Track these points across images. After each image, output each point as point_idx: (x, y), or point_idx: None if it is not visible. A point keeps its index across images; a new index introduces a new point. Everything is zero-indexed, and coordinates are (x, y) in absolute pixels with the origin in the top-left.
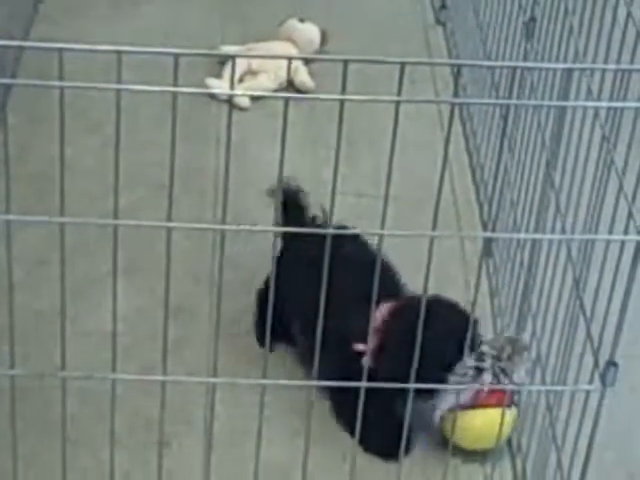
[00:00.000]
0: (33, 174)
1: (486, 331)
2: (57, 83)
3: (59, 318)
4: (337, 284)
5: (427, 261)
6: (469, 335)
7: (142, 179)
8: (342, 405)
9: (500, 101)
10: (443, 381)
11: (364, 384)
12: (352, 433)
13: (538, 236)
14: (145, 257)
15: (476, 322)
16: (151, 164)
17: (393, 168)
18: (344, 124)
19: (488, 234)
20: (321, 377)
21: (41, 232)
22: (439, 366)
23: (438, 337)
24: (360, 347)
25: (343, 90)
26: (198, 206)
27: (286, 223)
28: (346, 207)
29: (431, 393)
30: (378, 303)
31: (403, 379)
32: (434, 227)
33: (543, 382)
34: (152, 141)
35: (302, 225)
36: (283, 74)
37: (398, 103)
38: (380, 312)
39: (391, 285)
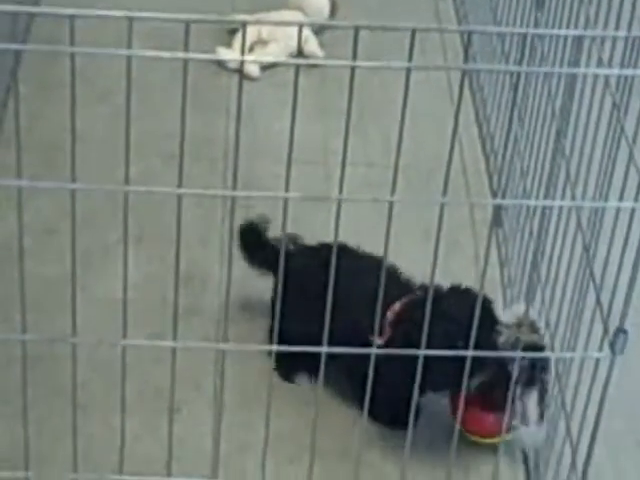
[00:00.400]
0: (44, 143)
1: (496, 302)
2: (67, 48)
3: (69, 286)
4: (345, 292)
5: (437, 229)
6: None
7: (153, 149)
8: (354, 378)
9: (510, 67)
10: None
11: (374, 350)
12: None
13: (548, 202)
14: (155, 225)
15: (490, 302)
16: (161, 134)
17: (403, 138)
18: (354, 94)
19: (498, 201)
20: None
21: (51, 201)
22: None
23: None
24: (376, 339)
25: (354, 57)
26: (208, 175)
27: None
28: (357, 177)
29: (445, 385)
30: (390, 304)
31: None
32: (444, 194)
33: (552, 350)
34: (162, 111)
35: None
36: (293, 43)
37: (409, 70)
38: (393, 309)
39: (400, 285)
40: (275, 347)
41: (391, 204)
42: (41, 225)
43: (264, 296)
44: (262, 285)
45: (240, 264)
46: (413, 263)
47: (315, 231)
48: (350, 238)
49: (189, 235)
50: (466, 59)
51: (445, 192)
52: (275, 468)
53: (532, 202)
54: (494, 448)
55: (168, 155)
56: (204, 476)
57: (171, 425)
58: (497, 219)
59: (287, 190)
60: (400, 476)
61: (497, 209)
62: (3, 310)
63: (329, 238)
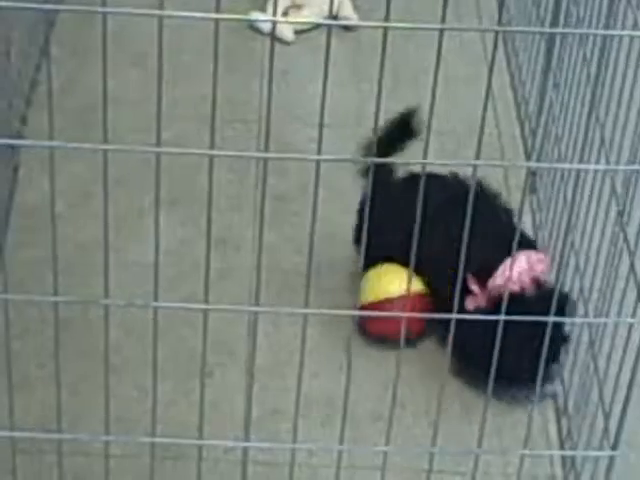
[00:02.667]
0: (77, 107)
1: None
2: (100, 9)
3: (102, 249)
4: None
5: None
6: None
7: (186, 113)
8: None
9: (544, 29)
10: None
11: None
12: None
13: (582, 166)
14: (189, 189)
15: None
16: (195, 97)
17: (437, 102)
18: (388, 59)
19: (531, 163)
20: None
21: (85, 165)
22: None
23: None
24: (474, 287)
25: (387, 18)
26: (242, 139)
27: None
28: None
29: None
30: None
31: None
32: (477, 157)
33: (586, 315)
34: (196, 75)
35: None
36: (327, 8)
37: (442, 31)
38: (519, 263)
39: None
40: (307, 310)
41: (424, 166)
42: (75, 189)
43: (294, 259)
44: (291, 248)
45: (273, 228)
46: None
47: (347, 195)
48: None
49: (222, 199)
50: (500, 20)
51: (478, 155)
52: (307, 431)
53: (566, 165)
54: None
55: (201, 119)
56: (236, 439)
57: (203, 389)
58: (531, 185)
59: (319, 153)
60: (432, 438)
61: (531, 175)
62: (37, 274)
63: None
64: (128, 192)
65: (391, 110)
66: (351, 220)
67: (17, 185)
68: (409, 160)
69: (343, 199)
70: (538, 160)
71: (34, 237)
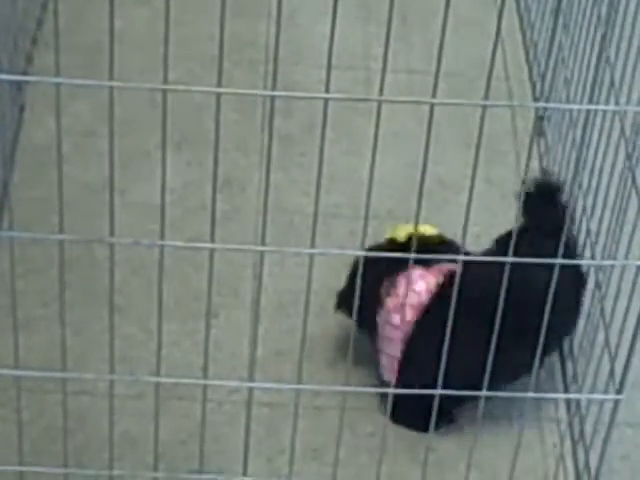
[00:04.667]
0: (83, 45)
1: None
2: None
3: (108, 190)
4: None
5: (478, 133)
6: None
7: (192, 53)
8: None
9: None
10: None
11: None
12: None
13: (591, 106)
14: (194, 131)
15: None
16: (202, 37)
17: (446, 45)
18: (396, 1)
19: (540, 104)
20: None
21: (90, 105)
22: None
23: None
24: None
25: None
26: (249, 79)
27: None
28: (398, 83)
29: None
30: None
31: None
32: (486, 97)
33: (593, 257)
34: (202, 15)
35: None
36: None
37: None
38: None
39: None
40: (312, 250)
41: (432, 107)
42: (80, 129)
43: (300, 200)
44: (297, 189)
45: (279, 169)
46: (454, 171)
47: (354, 136)
48: (390, 145)
49: (228, 141)
50: None
51: (487, 96)
52: (312, 373)
53: (575, 106)
54: None
55: (208, 59)
56: (241, 380)
57: (208, 329)
58: (539, 127)
59: (327, 91)
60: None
61: (539, 117)
62: (42, 213)
63: (368, 144)
64: (134, 133)
65: (398, 52)
66: (356, 163)
67: (23, 124)
68: (418, 99)
69: (349, 140)
70: (547, 102)
71: (39, 176)
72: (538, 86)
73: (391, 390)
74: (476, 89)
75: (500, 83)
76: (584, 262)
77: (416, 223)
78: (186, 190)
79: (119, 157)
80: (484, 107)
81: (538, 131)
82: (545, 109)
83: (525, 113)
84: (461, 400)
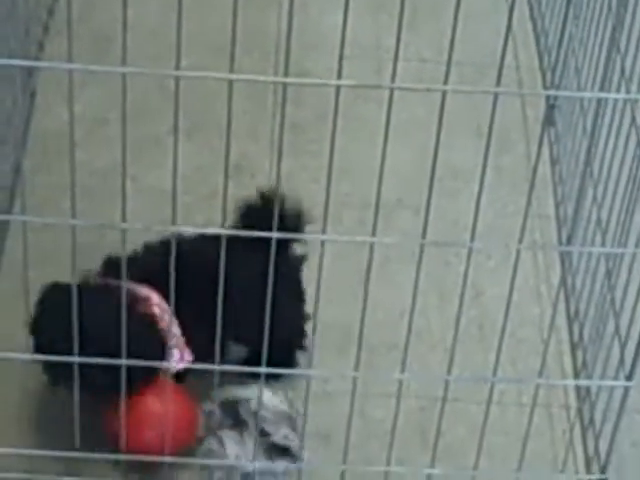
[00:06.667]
0: (95, 33)
1: (546, 199)
2: None
3: (119, 176)
4: None
5: (490, 121)
6: None
7: (204, 42)
8: None
9: None
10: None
11: None
12: None
13: (602, 94)
14: (204, 118)
15: None
16: (213, 27)
17: (457, 34)
18: None
19: (551, 92)
20: None
21: (102, 92)
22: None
23: None
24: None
25: None
26: (259, 68)
27: None
28: (409, 72)
29: None
30: None
31: None
32: (498, 84)
33: (603, 245)
34: (213, 4)
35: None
36: None
37: None
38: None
39: None
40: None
41: (444, 94)
42: (91, 116)
43: (311, 187)
44: (307, 176)
45: (289, 156)
46: (464, 159)
47: (364, 125)
48: (400, 133)
49: (239, 128)
50: None
51: (499, 83)
52: (321, 359)
53: (586, 94)
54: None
55: (219, 48)
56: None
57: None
58: (550, 117)
59: (339, 78)
60: (447, 366)
61: (550, 106)
62: (54, 199)
63: (378, 132)
64: (144, 120)
65: (409, 42)
66: (366, 151)
67: (34, 111)
68: (430, 86)
69: (359, 129)
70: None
71: (50, 163)
72: (549, 75)
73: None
74: (486, 78)
75: (510, 72)
76: (594, 249)
77: (427, 211)
78: (197, 176)
79: (130, 143)
80: (496, 94)
81: (549, 120)
82: (555, 98)
83: (535, 102)
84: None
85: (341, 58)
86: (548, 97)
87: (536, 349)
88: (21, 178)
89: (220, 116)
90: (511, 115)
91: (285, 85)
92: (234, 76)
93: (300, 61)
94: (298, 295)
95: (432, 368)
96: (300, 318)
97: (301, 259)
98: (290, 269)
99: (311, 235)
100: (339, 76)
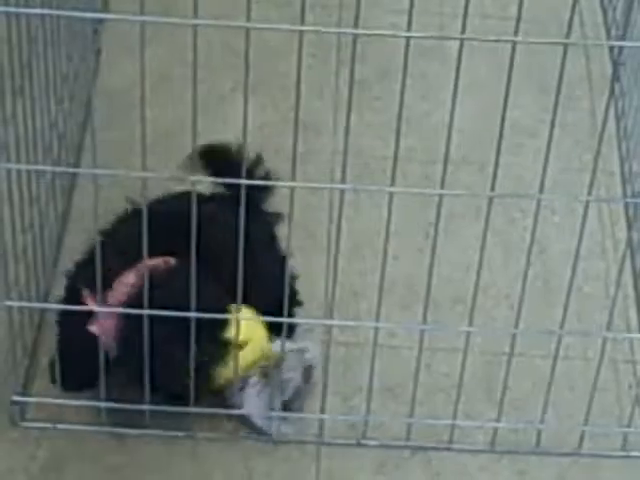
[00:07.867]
0: None
1: (611, 155)
2: None
3: (183, 133)
4: None
5: (559, 73)
6: None
7: None
8: None
9: None
10: None
11: None
12: None
13: None
14: (268, 75)
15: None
16: None
17: None
18: None
19: (619, 43)
20: None
21: (164, 49)
22: None
23: None
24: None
25: None
26: (322, 24)
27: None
28: (471, 28)
29: None
30: None
31: None
32: (568, 36)
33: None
34: None
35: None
36: None
37: None
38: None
39: None
40: (393, 189)
41: (514, 45)
42: (156, 73)
43: (375, 143)
44: (372, 132)
45: (353, 112)
46: (528, 116)
47: (428, 81)
48: (464, 90)
49: (302, 84)
50: None
51: (569, 35)
52: (387, 314)
53: None
54: None
55: (283, 4)
56: (319, 317)
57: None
58: (615, 72)
59: (409, 30)
60: (515, 320)
61: (615, 62)
62: (120, 155)
63: (442, 89)
64: (209, 77)
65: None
66: (431, 107)
67: (99, 68)
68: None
69: (423, 85)
70: (622, 50)
71: (116, 119)
72: (613, 31)
73: None
74: (550, 35)
75: (575, 28)
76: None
77: (496, 165)
78: (262, 133)
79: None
80: (565, 45)
81: (614, 75)
82: (620, 54)
83: (600, 58)
84: None
85: (411, 10)
86: (612, 53)
87: (601, 304)
88: (93, 132)
89: (282, 73)
90: (575, 71)
91: (355, 37)
92: (304, 27)
93: (363, 17)
94: (277, 252)
95: (497, 323)
96: (281, 271)
97: (275, 216)
98: (264, 225)
99: (378, 187)
100: (409, 27)
